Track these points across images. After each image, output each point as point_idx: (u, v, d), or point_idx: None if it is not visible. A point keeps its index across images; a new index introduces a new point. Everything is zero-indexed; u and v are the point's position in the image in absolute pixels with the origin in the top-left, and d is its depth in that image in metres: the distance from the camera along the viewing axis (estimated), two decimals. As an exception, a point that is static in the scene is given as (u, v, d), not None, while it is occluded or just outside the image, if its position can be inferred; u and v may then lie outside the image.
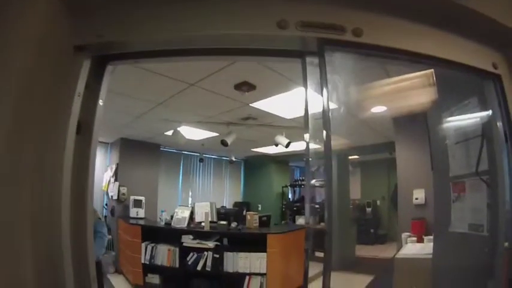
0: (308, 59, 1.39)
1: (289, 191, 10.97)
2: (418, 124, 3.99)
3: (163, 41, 1.34)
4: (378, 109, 4.64)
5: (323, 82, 1.37)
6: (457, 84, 2.09)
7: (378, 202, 10.01)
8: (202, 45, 1.37)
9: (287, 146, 6.06)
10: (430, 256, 2.64)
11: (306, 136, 1.57)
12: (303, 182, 10.23)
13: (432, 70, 2.40)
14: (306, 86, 1.43)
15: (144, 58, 1.45)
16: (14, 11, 1.19)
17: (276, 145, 6.41)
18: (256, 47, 1.38)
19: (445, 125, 2.33)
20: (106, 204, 8.21)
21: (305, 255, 1.57)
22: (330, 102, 1.42)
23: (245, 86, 4.09)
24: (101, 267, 4.25)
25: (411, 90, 3.10)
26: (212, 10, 1.29)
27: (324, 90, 1.38)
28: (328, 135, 1.41)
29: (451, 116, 2.20)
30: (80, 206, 1.29)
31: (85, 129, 1.35)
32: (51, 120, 1.26)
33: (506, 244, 1.67)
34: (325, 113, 1.39)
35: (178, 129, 6.12)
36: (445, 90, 2.27)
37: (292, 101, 4.62)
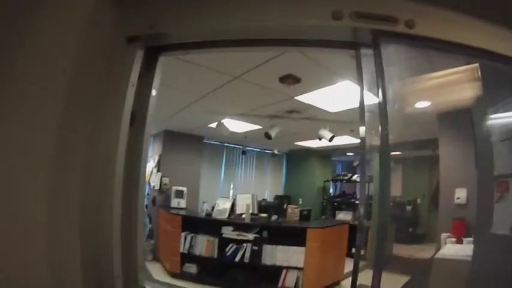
0: (362, 51, 1.34)
1: (331, 186, 10.82)
2: (462, 121, 3.81)
3: (214, 32, 1.33)
4: (422, 104, 4.46)
5: (379, 74, 1.32)
6: (504, 79, 1.98)
7: (419, 200, 9.66)
8: (255, 35, 1.34)
9: (331, 139, 5.98)
10: (470, 258, 2.53)
11: (362, 130, 1.56)
12: (344, 177, 10.06)
13: (477, 64, 2.30)
14: (361, 79, 1.38)
15: (196, 49, 1.45)
16: (64, 2, 1.22)
17: (320, 139, 6.33)
18: (309, 37, 1.35)
19: (491, 122, 2.22)
20: (148, 194, 8.45)
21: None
22: (382, 96, 1.37)
23: (290, 79, 4.05)
24: None
25: (456, 85, 2.96)
26: (265, 0, 1.27)
27: (380, 83, 1.32)
28: (385, 130, 1.36)
29: (497, 112, 2.12)
30: (132, 198, 1.32)
31: (138, 120, 1.37)
32: (104, 111, 1.29)
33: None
34: (381, 106, 1.34)
35: (222, 121, 6.17)
36: (492, 85, 2.16)
37: (337, 94, 4.54)
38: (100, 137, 1.27)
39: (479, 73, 2.35)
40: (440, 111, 4.64)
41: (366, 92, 1.45)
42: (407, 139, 6.97)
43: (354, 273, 1.51)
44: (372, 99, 4.34)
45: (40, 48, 1.20)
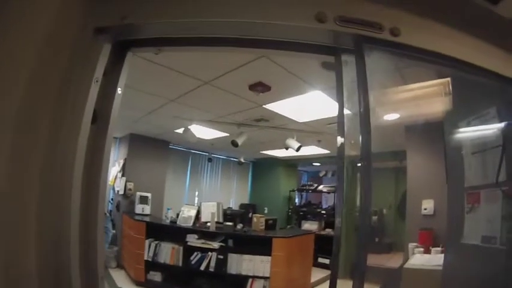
0: (343, 57, 1.32)
1: (296, 196, 10.88)
2: (431, 134, 3.93)
3: (189, 27, 1.26)
4: (391, 116, 4.57)
5: (361, 81, 1.30)
6: (478, 92, 2.04)
7: (384, 211, 9.90)
8: (232, 34, 1.29)
9: (298, 149, 6.00)
10: (439, 267, 2.59)
11: (340, 140, 1.57)
12: (310, 187, 10.13)
13: (449, 79, 2.36)
14: (340, 85, 1.36)
15: (167, 45, 1.39)
16: None
17: (287, 148, 6.35)
18: (289, 39, 1.31)
19: (462, 135, 2.29)
20: (112, 199, 8.21)
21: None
22: (364, 105, 1.36)
23: (260, 87, 4.03)
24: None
25: (427, 98, 3.04)
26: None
27: (362, 90, 1.31)
28: (367, 139, 1.35)
29: (469, 125, 2.16)
30: (92, 202, 1.22)
31: (101, 118, 1.28)
32: (65, 107, 1.19)
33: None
34: (362, 115, 1.33)
35: (189, 127, 6.08)
36: (463, 99, 2.23)
37: (306, 104, 4.56)
38: (59, 135, 1.17)
39: (451, 87, 2.42)
40: (409, 124, 4.76)
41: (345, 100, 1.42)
42: (374, 150, 7.12)
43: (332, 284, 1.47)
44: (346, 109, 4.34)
45: (1, 37, 1.11)
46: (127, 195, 7.45)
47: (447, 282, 2.33)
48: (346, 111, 1.50)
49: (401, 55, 1.35)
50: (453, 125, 2.36)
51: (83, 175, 1.19)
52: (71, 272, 1.10)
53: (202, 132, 6.71)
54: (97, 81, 1.22)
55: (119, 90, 1.34)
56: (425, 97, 3.09)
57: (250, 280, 5.53)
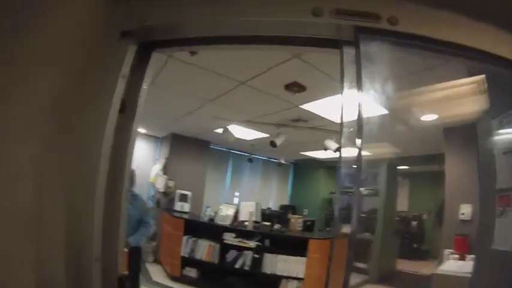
0: (345, 49, 1.35)
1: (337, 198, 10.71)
2: (468, 135, 3.79)
3: (203, 28, 1.37)
4: (428, 117, 4.45)
5: (358, 74, 1.32)
6: (507, 89, 1.96)
7: (424, 216, 9.58)
8: (235, 32, 1.38)
9: (336, 151, 5.96)
10: (470, 275, 2.49)
11: (342, 141, 1.53)
12: (350, 190, 9.95)
13: (483, 76, 2.27)
14: (342, 79, 1.39)
15: (187, 45, 1.50)
16: None
17: (325, 149, 6.32)
18: (292, 35, 1.36)
19: (494, 134, 2.18)
20: (152, 196, 8.51)
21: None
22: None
23: (295, 87, 4.08)
24: (141, 253, 4.42)
25: (462, 97, 2.94)
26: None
27: (359, 82, 1.33)
28: (360, 138, 1.35)
29: (501, 124, 2.06)
30: (116, 183, 1.37)
31: (129, 109, 1.43)
32: (96, 98, 1.35)
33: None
34: (359, 116, 1.35)
35: (228, 127, 6.22)
36: (496, 96, 2.13)
37: (353, 108, 4.52)
38: (91, 122, 1.33)
39: (486, 85, 2.33)
40: (447, 125, 4.62)
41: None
42: (415, 153, 6.94)
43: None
44: (376, 111, 4.29)
45: (39, 38, 1.26)
46: (167, 193, 7.72)
47: None
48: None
49: (401, 44, 1.34)
50: (485, 124, 2.29)
51: (110, 158, 1.34)
52: (93, 243, 1.24)
53: (242, 132, 6.83)
54: (124, 77, 1.36)
55: (145, 86, 1.47)
56: (461, 96, 3.01)
57: (283, 281, 5.54)
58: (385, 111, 4.31)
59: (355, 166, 1.66)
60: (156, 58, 1.51)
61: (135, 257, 3.61)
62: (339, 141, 5.90)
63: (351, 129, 1.47)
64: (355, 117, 1.39)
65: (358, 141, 1.39)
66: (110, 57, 1.37)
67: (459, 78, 2.89)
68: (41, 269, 1.18)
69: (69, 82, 1.29)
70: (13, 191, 1.16)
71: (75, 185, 1.28)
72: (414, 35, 1.31)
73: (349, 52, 1.34)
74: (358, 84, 1.34)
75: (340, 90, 1.39)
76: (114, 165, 1.36)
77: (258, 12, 1.28)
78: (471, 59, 1.39)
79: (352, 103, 1.38)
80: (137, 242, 3.83)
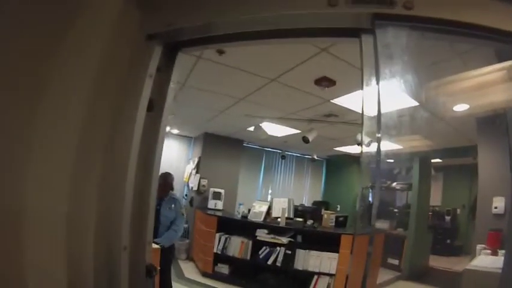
0: (364, 38, 1.33)
1: (370, 193, 10.56)
2: (500, 124, 3.63)
3: (224, 26, 1.41)
4: (460, 107, 4.30)
5: (376, 63, 1.31)
6: None
7: (458, 211, 9.27)
8: (255, 28, 1.40)
9: (368, 145, 5.86)
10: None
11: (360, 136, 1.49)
12: (383, 185, 9.78)
13: None
14: (362, 70, 1.38)
15: (210, 44, 1.54)
16: (90, 4, 1.35)
17: (358, 144, 6.22)
18: (310, 26, 1.37)
19: None
20: (186, 195, 8.69)
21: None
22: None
23: (325, 81, 4.06)
24: (173, 250, 4.60)
25: (493, 85, 2.83)
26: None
27: (376, 71, 1.32)
28: (379, 130, 1.33)
29: None
30: (146, 177, 1.44)
31: (157, 107, 1.50)
32: (125, 98, 1.43)
33: None
34: (378, 108, 1.33)
35: (260, 125, 6.25)
36: None
37: (375, 98, 4.46)
38: (120, 120, 1.41)
39: None
40: (480, 116, 4.46)
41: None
42: (448, 145, 6.74)
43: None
44: (402, 104, 4.19)
45: (76, 41, 1.34)
46: (201, 191, 7.88)
47: (505, 286, 2.16)
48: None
49: (419, 28, 1.30)
50: None
51: (139, 155, 1.40)
52: (122, 233, 1.31)
53: (274, 129, 6.84)
54: (151, 76, 1.42)
55: (172, 85, 1.53)
56: (491, 84, 2.90)
57: (315, 277, 5.53)
58: (415, 103, 4.22)
59: (386, 160, 1.62)
60: (182, 58, 1.57)
61: (166, 253, 3.73)
62: (369, 136, 5.83)
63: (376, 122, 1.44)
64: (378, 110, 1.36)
65: (378, 135, 1.37)
66: (137, 58, 1.44)
67: (489, 65, 2.78)
68: (71, 258, 1.27)
69: (101, 83, 1.37)
70: (50, 187, 1.25)
71: (107, 180, 1.36)
72: (431, 18, 1.27)
73: (368, 41, 1.32)
74: (377, 74, 1.32)
75: (361, 81, 1.37)
76: (144, 162, 1.42)
77: (277, 6, 1.30)
78: (494, 40, 1.32)
79: (374, 96, 1.36)
80: (163, 245, 3.98)
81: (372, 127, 1.42)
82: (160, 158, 1.50)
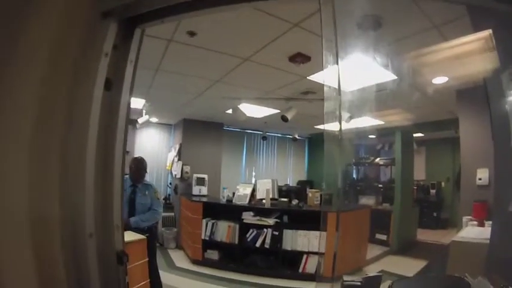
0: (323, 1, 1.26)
1: (354, 170, 10.68)
2: (481, 96, 3.65)
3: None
4: (439, 80, 4.31)
5: (335, 30, 1.25)
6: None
7: (443, 184, 9.44)
8: None
9: (347, 121, 5.88)
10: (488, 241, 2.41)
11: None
12: (367, 161, 9.87)
13: (490, 31, 2.14)
14: (322, 38, 1.31)
15: (169, 16, 1.46)
16: None
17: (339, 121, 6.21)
18: None
19: (505, 90, 2.03)
20: (170, 183, 8.63)
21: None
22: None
23: (299, 58, 4.01)
24: (155, 236, 4.57)
25: (471, 55, 2.82)
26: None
27: (336, 44, 1.25)
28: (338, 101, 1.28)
29: (511, 77, 1.93)
30: (108, 159, 1.38)
31: (115, 86, 1.43)
32: (81, 77, 1.35)
33: None
34: (338, 80, 1.27)
35: (239, 106, 6.19)
36: (504, 49, 2.00)
37: (351, 72, 4.45)
38: (77, 101, 1.34)
39: (494, 40, 2.21)
40: (459, 88, 4.49)
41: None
42: (429, 119, 6.80)
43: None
44: (387, 76, 4.18)
45: (28, 23, 1.26)
46: (184, 178, 7.82)
47: (493, 256, 2.16)
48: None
49: None
50: (495, 81, 2.16)
51: (98, 132, 1.35)
52: (86, 219, 1.25)
53: (253, 110, 6.79)
54: (106, 54, 1.35)
55: (130, 62, 1.45)
56: (468, 54, 2.89)
57: (305, 256, 5.60)
58: (393, 76, 4.21)
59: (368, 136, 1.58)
60: (140, 34, 1.49)
61: (148, 240, 3.70)
62: (348, 111, 5.84)
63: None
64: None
65: (339, 111, 1.31)
66: (92, 36, 1.37)
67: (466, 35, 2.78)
68: (37, 247, 1.21)
69: (55, 64, 1.30)
70: (6, 172, 1.18)
71: (66, 165, 1.30)
72: None
73: (328, 4, 1.25)
74: (336, 44, 1.26)
75: (323, 52, 1.31)
76: (104, 142, 1.36)
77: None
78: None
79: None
80: (137, 224, 3.95)
81: (336, 104, 1.37)
82: (124, 139, 1.44)
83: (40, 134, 1.24)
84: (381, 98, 5.48)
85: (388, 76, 4.16)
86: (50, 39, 1.29)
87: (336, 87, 1.26)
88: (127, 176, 4.19)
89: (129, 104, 1.47)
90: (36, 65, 1.26)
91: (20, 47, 1.23)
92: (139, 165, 4.29)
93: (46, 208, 1.25)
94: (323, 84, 4.86)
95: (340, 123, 1.29)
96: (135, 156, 4.70)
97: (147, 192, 4.24)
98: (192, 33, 3.37)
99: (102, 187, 1.35)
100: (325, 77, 1.26)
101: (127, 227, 3.85)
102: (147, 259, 3.63)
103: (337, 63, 1.24)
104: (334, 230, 5.29)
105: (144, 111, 6.61)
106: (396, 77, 4.22)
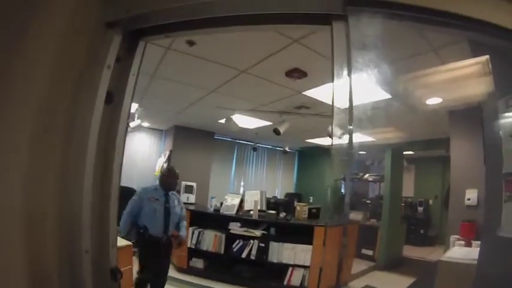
0: (336, 25, 1.25)
1: (342, 185, 10.68)
2: (474, 118, 3.69)
3: (190, 10, 1.31)
4: (433, 100, 4.36)
5: (348, 53, 1.25)
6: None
7: (431, 201, 9.55)
8: (223, 13, 1.30)
9: (340, 137, 5.89)
10: (476, 262, 2.40)
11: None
12: (356, 176, 9.91)
13: (488, 56, 2.17)
14: (333, 60, 1.31)
15: (174, 31, 1.44)
16: None
17: (330, 136, 6.23)
18: (280, 11, 1.28)
19: (500, 116, 2.04)
20: (158, 189, 8.51)
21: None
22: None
23: (296, 73, 4.03)
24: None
25: (467, 79, 2.86)
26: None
27: (349, 65, 1.25)
28: (350, 123, 1.27)
29: (506, 105, 1.94)
30: (106, 174, 1.35)
31: (116, 100, 1.40)
32: (82, 91, 1.33)
33: None
34: (350, 99, 1.27)
35: (232, 117, 6.17)
36: (501, 76, 2.03)
37: (346, 89, 4.46)
38: (77, 114, 1.32)
39: (490, 65, 2.23)
40: (452, 109, 4.54)
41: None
42: (421, 138, 6.89)
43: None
44: (375, 96, 4.21)
45: (32, 31, 1.24)
46: (172, 185, 7.68)
47: (481, 278, 2.17)
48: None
49: (394, 16, 1.23)
50: (491, 106, 2.19)
51: (97, 144, 1.32)
52: (82, 236, 1.22)
53: (246, 121, 6.78)
54: (109, 67, 1.32)
55: (132, 75, 1.43)
56: (465, 78, 2.94)
57: (290, 269, 5.54)
58: (387, 96, 4.24)
59: (359, 152, 1.58)
60: (143, 48, 1.48)
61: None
62: (340, 127, 5.86)
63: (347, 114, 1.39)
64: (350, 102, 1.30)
65: (350, 127, 1.30)
66: (96, 48, 1.35)
67: (463, 60, 2.81)
68: (32, 261, 1.19)
69: (58, 75, 1.28)
70: (3, 186, 1.15)
71: (64, 177, 1.28)
72: (405, 4, 1.19)
73: (340, 28, 1.25)
74: (349, 65, 1.26)
75: (332, 72, 1.31)
76: (104, 157, 1.34)
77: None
78: (470, 30, 1.26)
79: (345, 87, 1.30)
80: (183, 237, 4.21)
81: (343, 119, 1.36)
82: (121, 154, 1.41)
83: (39, 146, 1.22)
84: (374, 115, 5.52)
85: (382, 95, 4.19)
86: (54, 47, 1.27)
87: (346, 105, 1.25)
88: (156, 185, 4.28)
89: (128, 117, 1.45)
90: (39, 75, 1.24)
91: (23, 57, 1.21)
92: (173, 174, 4.32)
93: (43, 224, 1.22)
94: (318, 100, 4.91)
95: (351, 137, 1.29)
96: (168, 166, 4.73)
97: (176, 202, 4.24)
98: (191, 43, 3.36)
99: (100, 205, 1.33)
100: (335, 96, 1.26)
101: (181, 241, 4.21)
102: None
103: (350, 80, 1.24)
104: (321, 244, 5.30)
105: (136, 115, 6.55)
106: (390, 96, 4.25)
